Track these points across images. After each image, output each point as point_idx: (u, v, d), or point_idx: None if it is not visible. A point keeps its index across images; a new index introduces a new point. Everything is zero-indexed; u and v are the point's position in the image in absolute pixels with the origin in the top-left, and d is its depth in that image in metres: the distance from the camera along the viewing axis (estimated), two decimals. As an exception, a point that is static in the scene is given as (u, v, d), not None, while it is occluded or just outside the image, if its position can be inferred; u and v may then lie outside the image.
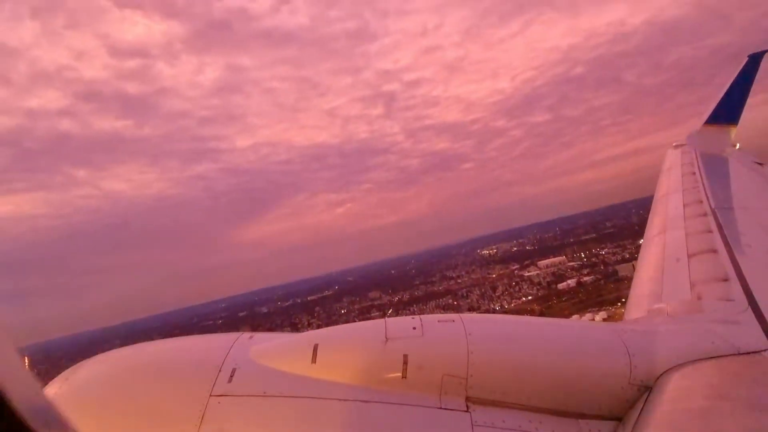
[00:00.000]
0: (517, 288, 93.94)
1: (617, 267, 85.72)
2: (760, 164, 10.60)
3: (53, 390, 3.38)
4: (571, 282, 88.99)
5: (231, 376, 3.37)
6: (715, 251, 5.29)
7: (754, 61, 12.35)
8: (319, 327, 4.07)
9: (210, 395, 3.26)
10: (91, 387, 3.46)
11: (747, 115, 12.01)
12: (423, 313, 4.89)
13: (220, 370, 3.40)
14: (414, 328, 3.60)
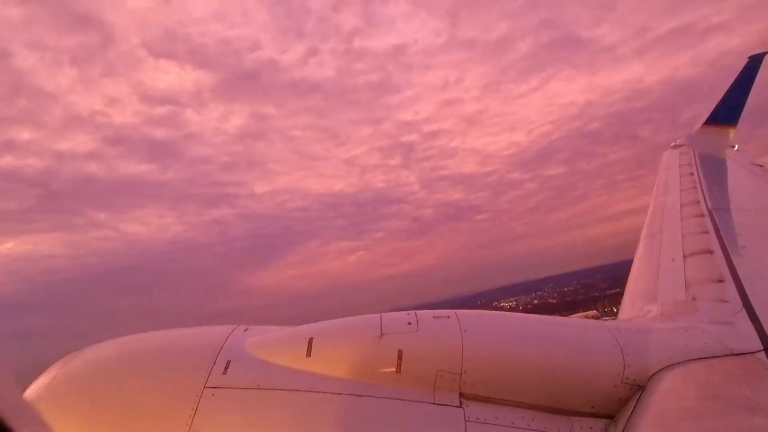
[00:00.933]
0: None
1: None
2: (760, 166, 10.63)
3: (46, 381, 3.38)
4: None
5: (226, 368, 3.36)
6: (711, 252, 5.31)
7: (755, 62, 12.36)
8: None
9: (204, 387, 3.26)
10: (84, 378, 3.44)
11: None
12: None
13: (214, 362, 3.40)
14: (409, 324, 3.61)
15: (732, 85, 12.31)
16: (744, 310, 3.99)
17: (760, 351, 3.41)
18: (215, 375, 3.32)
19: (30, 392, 3.38)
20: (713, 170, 9.20)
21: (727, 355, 3.41)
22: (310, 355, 3.47)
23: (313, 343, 3.53)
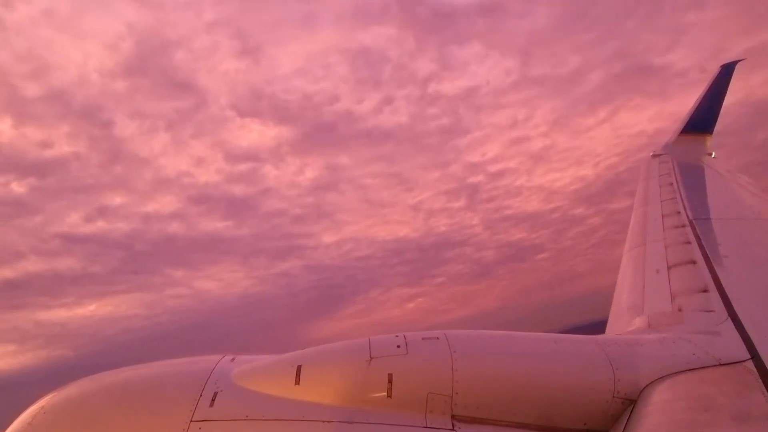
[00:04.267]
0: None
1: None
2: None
3: (28, 420, 3.27)
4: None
5: (212, 400, 3.29)
6: (694, 262, 5.37)
7: (727, 71, 12.68)
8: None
9: (191, 421, 3.18)
10: (67, 415, 3.34)
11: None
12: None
13: (201, 395, 3.32)
14: (398, 347, 3.57)
15: (705, 93, 12.57)
16: (729, 320, 4.02)
17: (747, 360, 3.44)
18: (202, 408, 3.24)
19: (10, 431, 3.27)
20: (692, 179, 9.34)
21: (715, 365, 3.43)
22: (299, 383, 3.41)
23: (302, 370, 3.47)
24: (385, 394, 3.33)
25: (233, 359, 3.74)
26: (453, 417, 3.31)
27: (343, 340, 3.82)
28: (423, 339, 3.66)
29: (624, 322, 4.87)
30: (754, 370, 3.31)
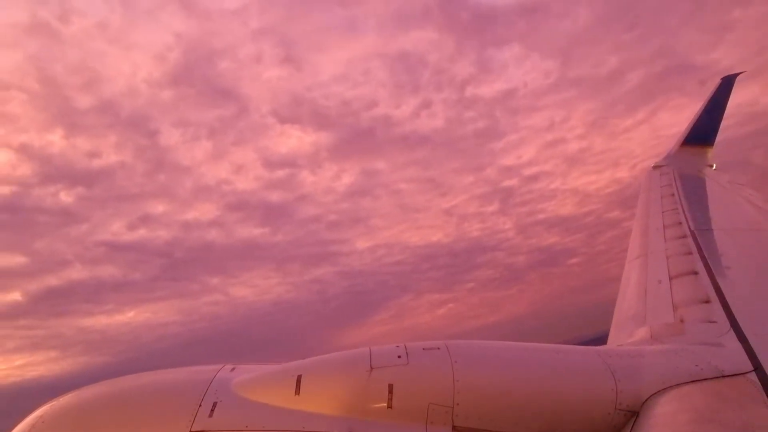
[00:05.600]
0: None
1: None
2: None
3: (26, 430, 3.25)
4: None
5: (212, 410, 3.27)
6: (695, 273, 5.35)
7: (727, 83, 12.74)
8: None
9: (190, 431, 3.16)
10: (66, 424, 3.32)
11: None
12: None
13: (200, 404, 3.31)
14: (399, 357, 3.55)
15: (705, 106, 12.62)
16: (732, 331, 4.00)
17: (750, 371, 3.42)
18: (201, 418, 3.22)
19: None
20: (693, 190, 9.34)
21: (718, 377, 3.41)
22: (299, 393, 3.39)
23: (302, 380, 3.46)
24: (385, 404, 3.31)
25: (233, 369, 3.72)
26: (454, 428, 3.29)
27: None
28: (424, 349, 3.64)
29: (626, 333, 4.84)
30: (757, 381, 3.29)
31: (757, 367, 3.42)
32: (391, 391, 3.34)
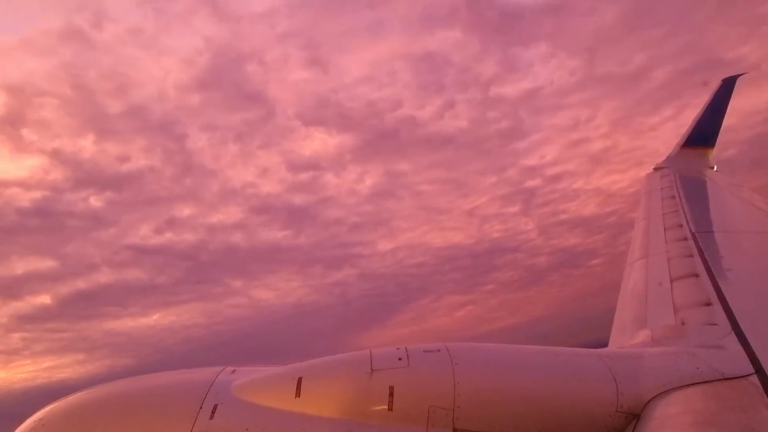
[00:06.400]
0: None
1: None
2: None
3: None
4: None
5: (213, 413, 3.27)
6: (696, 275, 5.34)
7: (728, 85, 12.73)
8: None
9: None
10: (66, 427, 3.33)
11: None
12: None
13: (201, 407, 3.31)
14: (399, 359, 3.55)
15: (706, 108, 12.61)
16: (733, 333, 4.00)
17: (752, 374, 3.41)
18: (202, 420, 3.23)
19: None
20: (694, 192, 9.34)
21: (719, 380, 3.40)
22: (299, 396, 3.39)
23: (302, 382, 3.46)
24: (386, 407, 3.31)
25: (234, 371, 3.73)
26: (455, 430, 3.29)
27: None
28: (424, 351, 3.64)
29: (627, 336, 4.83)
30: (759, 384, 3.28)
31: (759, 370, 3.41)
32: (391, 394, 3.34)
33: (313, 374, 3.56)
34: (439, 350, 3.63)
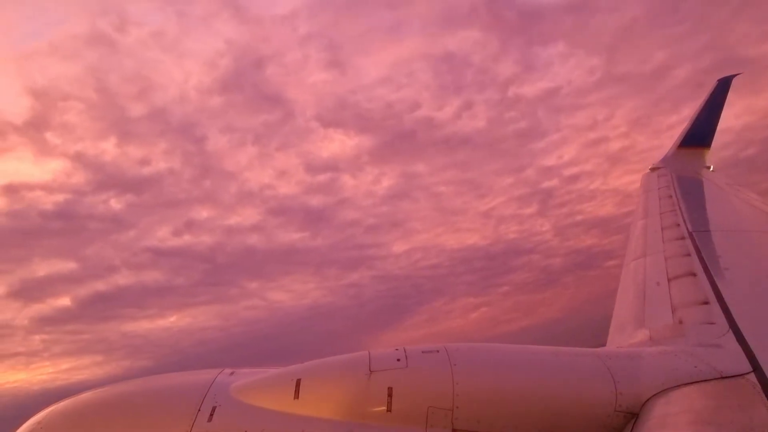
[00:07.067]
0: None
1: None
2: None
3: None
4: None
5: (211, 415, 3.26)
6: (694, 275, 5.35)
7: (724, 85, 12.76)
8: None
9: None
10: (65, 431, 3.32)
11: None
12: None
13: (199, 409, 3.30)
14: (398, 360, 3.55)
15: (702, 108, 12.63)
16: (731, 332, 4.00)
17: (749, 372, 3.41)
18: (200, 423, 3.22)
19: None
20: (691, 192, 9.36)
21: (717, 378, 3.40)
22: (298, 397, 3.39)
23: (301, 384, 3.45)
24: (385, 408, 3.31)
25: (232, 373, 3.72)
26: (454, 431, 3.29)
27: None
28: (423, 352, 3.64)
29: (625, 335, 4.84)
30: (756, 382, 3.28)
31: (756, 368, 3.42)
32: (390, 395, 3.33)
33: (311, 376, 3.56)
34: (437, 351, 3.63)
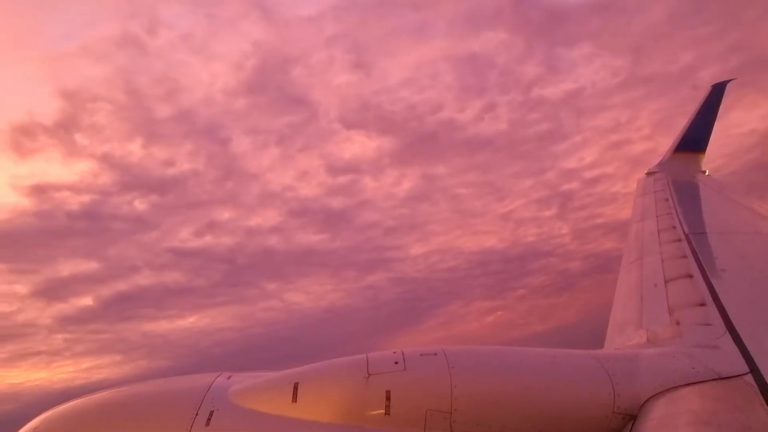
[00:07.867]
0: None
1: None
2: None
3: None
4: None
5: (209, 420, 3.25)
6: (691, 276, 5.37)
7: (718, 91, 12.84)
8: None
9: None
10: None
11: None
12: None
13: (197, 414, 3.28)
14: (396, 363, 3.55)
15: (697, 113, 12.71)
16: (728, 333, 4.02)
17: (747, 373, 3.42)
18: (198, 427, 3.20)
19: None
20: (687, 195, 9.42)
21: (715, 380, 3.41)
22: (296, 401, 3.38)
23: (299, 387, 3.44)
24: (383, 411, 3.30)
25: (230, 377, 3.71)
26: None
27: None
28: (421, 355, 3.64)
29: (622, 337, 4.85)
30: (754, 383, 3.29)
31: (753, 369, 3.43)
32: (388, 398, 3.33)
33: (309, 379, 3.55)
34: (435, 354, 3.63)
